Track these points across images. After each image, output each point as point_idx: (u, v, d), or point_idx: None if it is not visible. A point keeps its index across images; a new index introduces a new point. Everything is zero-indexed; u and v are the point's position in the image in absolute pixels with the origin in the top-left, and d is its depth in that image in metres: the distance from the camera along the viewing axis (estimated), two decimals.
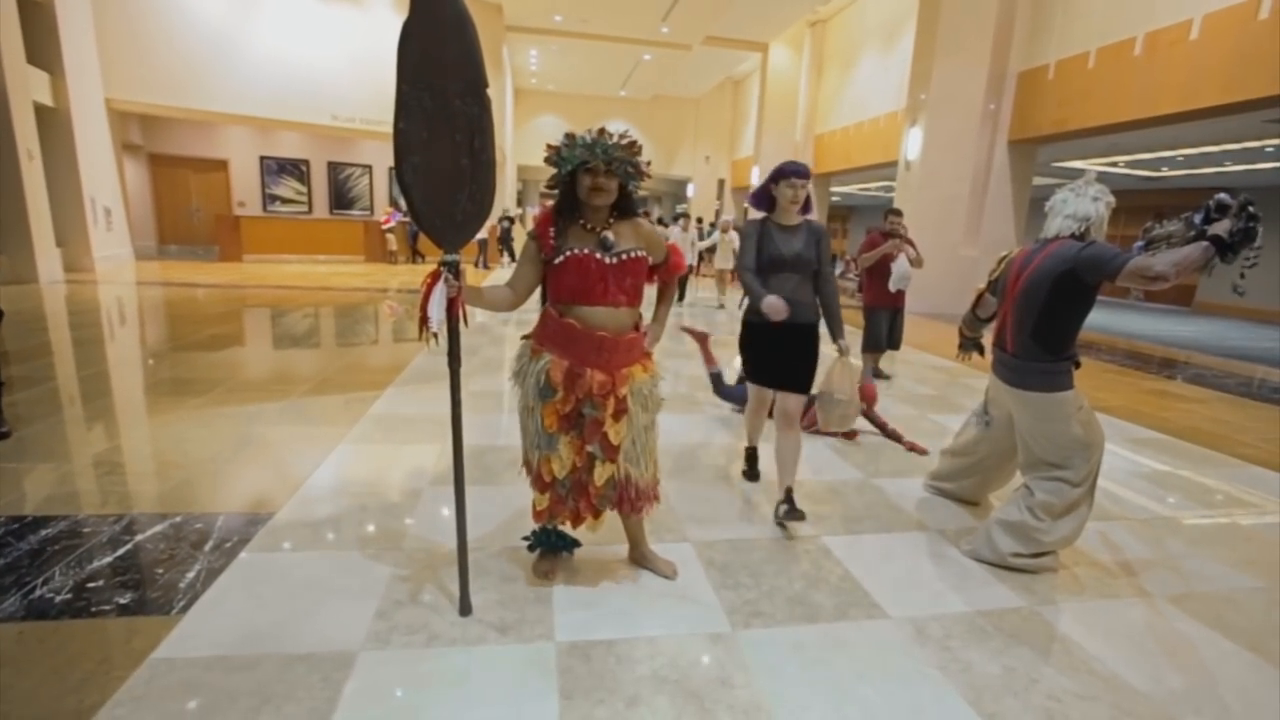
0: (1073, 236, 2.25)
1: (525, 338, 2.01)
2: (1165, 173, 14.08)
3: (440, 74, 1.68)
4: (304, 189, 15.35)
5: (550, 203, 1.97)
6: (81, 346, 5.40)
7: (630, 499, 2.02)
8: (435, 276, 1.75)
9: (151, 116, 12.82)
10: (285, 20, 12.52)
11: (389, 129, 1.68)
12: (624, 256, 1.89)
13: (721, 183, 22.63)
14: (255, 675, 1.65)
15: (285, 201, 15.22)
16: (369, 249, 15.14)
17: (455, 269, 1.76)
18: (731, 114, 21.71)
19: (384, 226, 14.81)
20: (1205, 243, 1.98)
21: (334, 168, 15.47)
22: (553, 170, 1.90)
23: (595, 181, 1.83)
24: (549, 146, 1.88)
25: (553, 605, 2.02)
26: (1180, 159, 12.16)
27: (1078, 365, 2.35)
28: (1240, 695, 1.80)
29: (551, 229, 1.89)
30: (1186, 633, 2.08)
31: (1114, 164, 13.19)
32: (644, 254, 1.95)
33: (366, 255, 15.14)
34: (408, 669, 1.71)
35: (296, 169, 15.21)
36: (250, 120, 13.17)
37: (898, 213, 5.25)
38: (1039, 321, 2.28)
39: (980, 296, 2.76)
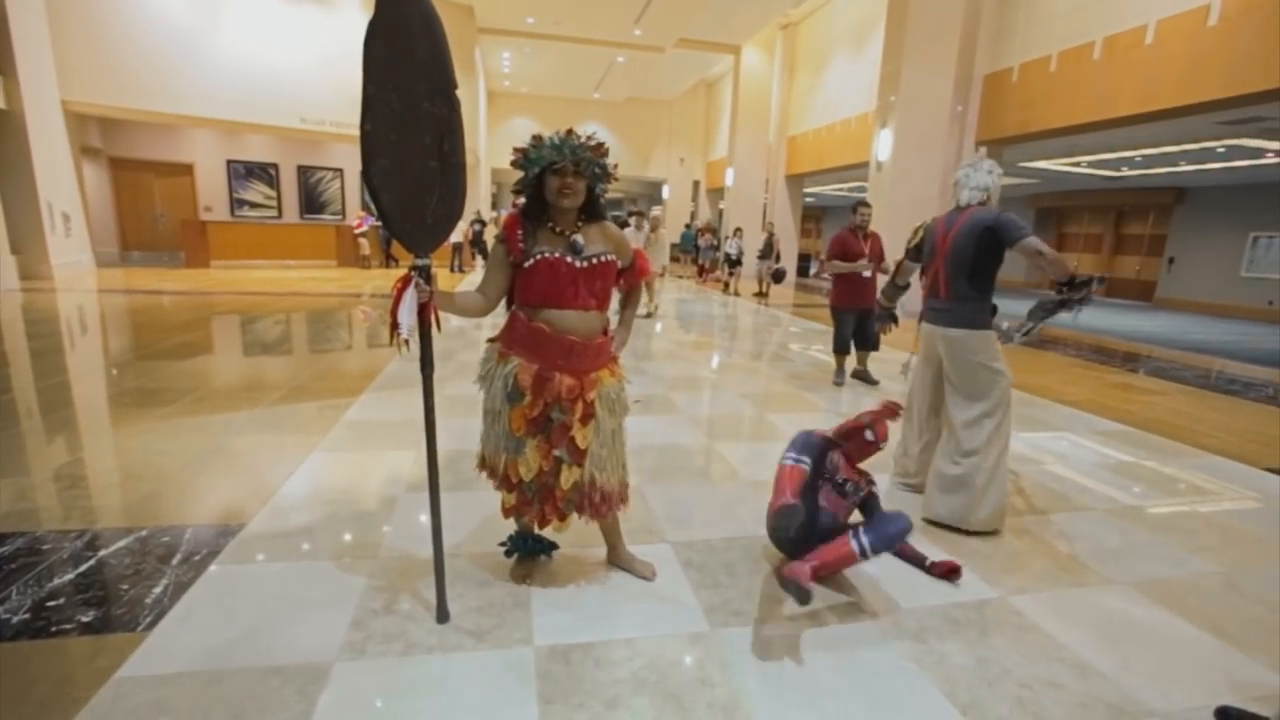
0: (979, 204, 2.80)
1: (491, 341, 2.00)
2: (1125, 172, 14.52)
3: (408, 74, 1.65)
4: (273, 193, 15.05)
5: (520, 202, 1.95)
6: (40, 357, 5.23)
7: (595, 504, 2.01)
8: (406, 281, 1.73)
9: (111, 119, 12.46)
10: (251, 21, 12.28)
11: (358, 131, 1.66)
12: (594, 260, 1.89)
13: (696, 184, 22.74)
14: (226, 690, 1.61)
15: (254, 206, 14.90)
16: (341, 254, 14.90)
17: (426, 274, 1.74)
18: (705, 116, 21.84)
19: (356, 231, 14.59)
20: (1062, 287, 2.65)
21: (304, 171, 15.20)
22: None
23: (563, 182, 1.82)
24: (516, 150, 1.86)
25: (531, 609, 2.01)
26: (1139, 159, 12.54)
27: (995, 311, 2.84)
28: (1202, 677, 1.86)
29: (520, 231, 1.87)
30: (1151, 618, 2.15)
31: (1077, 164, 13.55)
32: (613, 258, 1.95)
33: (339, 260, 14.90)
34: (384, 678, 1.69)
35: (265, 173, 14.90)
36: (216, 123, 12.87)
37: (866, 205, 5.28)
38: (971, 269, 2.77)
39: (900, 265, 3.25)
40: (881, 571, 2.36)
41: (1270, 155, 11.06)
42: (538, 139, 1.84)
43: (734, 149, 16.86)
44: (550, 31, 14.78)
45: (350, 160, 15.17)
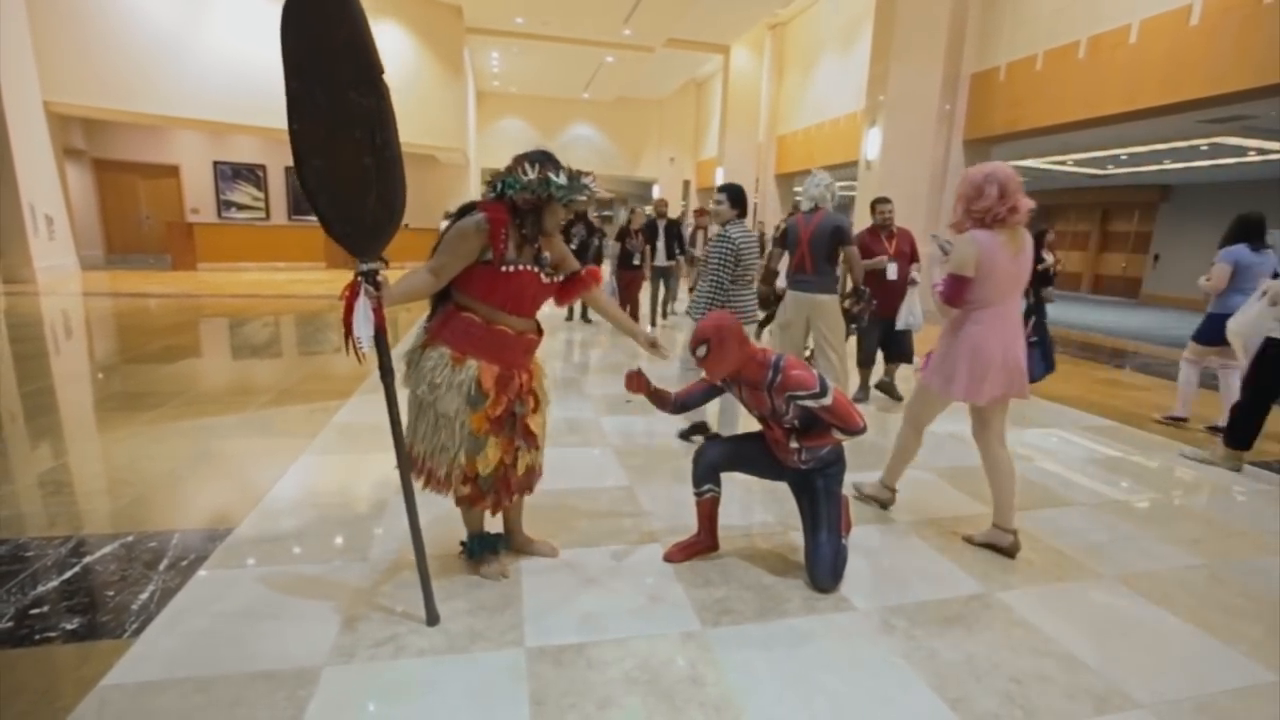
0: (816, 208, 3.81)
1: (427, 346, 1.94)
2: (1111, 171, 14.65)
3: (329, 64, 1.53)
4: (261, 194, 14.91)
5: (491, 197, 1.92)
6: (23, 361, 5.16)
7: (533, 482, 2.18)
8: (354, 289, 1.66)
9: (95, 120, 12.30)
10: (236, 20, 12.13)
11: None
12: (555, 279, 2.03)
13: (687, 184, 22.75)
14: (214, 696, 1.60)
15: (241, 208, 14.76)
16: (330, 255, 14.76)
17: (373, 278, 1.69)
18: (695, 115, 21.83)
19: None
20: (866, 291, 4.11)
21: (292, 172, 15.07)
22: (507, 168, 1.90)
23: (567, 216, 1.97)
24: (532, 163, 1.85)
25: (522, 610, 2.01)
26: (1124, 157, 12.65)
27: (839, 279, 3.95)
28: (1186, 667, 1.88)
29: (504, 232, 1.88)
30: (1136, 611, 2.17)
31: (1063, 162, 13.66)
32: (561, 277, 2.07)
33: (328, 261, 14.77)
34: (374, 682, 1.68)
35: (252, 174, 14.77)
36: (201, 124, 12.72)
37: (886, 200, 4.75)
38: (828, 253, 3.76)
39: (772, 254, 4.13)
40: (870, 568, 2.38)
41: (1252, 153, 11.20)
42: (554, 164, 1.88)
43: (724, 148, 16.87)
44: (539, 32, 14.71)
45: None
